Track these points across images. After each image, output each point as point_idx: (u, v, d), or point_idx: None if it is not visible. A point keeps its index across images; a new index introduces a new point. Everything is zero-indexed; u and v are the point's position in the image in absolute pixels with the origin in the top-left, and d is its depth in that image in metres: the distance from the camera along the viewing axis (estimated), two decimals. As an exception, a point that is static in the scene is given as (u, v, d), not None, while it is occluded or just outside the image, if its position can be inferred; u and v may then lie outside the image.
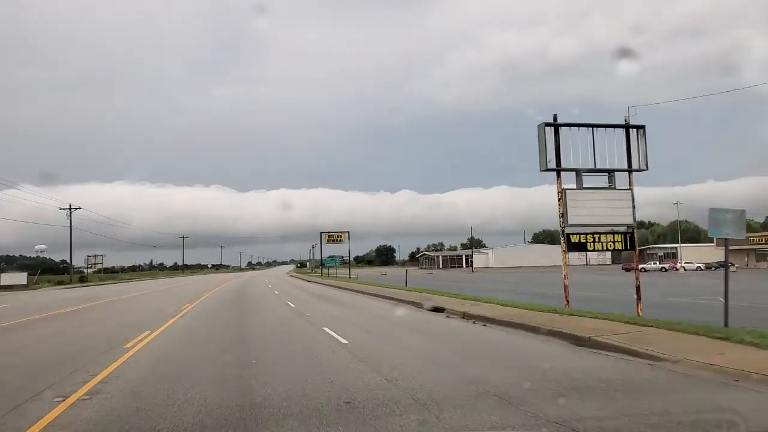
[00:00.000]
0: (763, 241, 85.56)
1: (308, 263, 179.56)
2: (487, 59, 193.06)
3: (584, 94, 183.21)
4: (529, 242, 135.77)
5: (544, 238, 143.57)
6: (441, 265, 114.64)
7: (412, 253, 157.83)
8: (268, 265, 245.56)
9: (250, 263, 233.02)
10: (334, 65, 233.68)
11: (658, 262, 76.46)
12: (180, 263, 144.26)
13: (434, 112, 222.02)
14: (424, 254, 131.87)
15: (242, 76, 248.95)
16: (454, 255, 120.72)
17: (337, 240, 73.40)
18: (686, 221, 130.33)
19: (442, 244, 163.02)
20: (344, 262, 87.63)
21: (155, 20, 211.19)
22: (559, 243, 16.39)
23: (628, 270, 75.35)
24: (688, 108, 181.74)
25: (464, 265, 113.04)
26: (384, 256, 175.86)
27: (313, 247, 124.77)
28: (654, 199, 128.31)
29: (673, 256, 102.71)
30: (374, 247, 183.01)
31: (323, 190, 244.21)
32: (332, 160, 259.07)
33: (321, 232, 73.96)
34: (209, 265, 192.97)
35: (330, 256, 77.88)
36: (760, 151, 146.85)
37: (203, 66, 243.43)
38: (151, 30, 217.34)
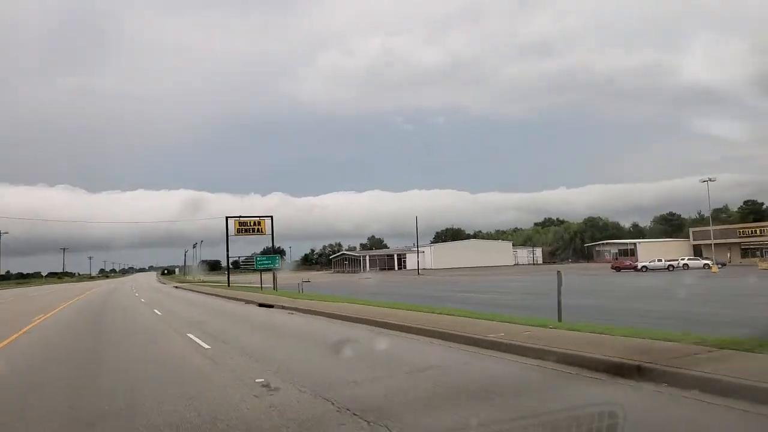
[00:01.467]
0: (755, 233, 73.99)
1: (178, 269, 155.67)
2: (355, 63, 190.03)
3: (450, 102, 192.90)
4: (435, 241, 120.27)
5: (448, 237, 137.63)
6: (369, 267, 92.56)
7: (306, 255, 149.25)
8: (124, 272, 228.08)
9: (102, 270, 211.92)
10: (201, 63, 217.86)
11: (663, 260, 60.12)
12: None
13: (304, 114, 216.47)
14: (345, 255, 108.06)
15: (101, 70, 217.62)
16: (385, 255, 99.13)
17: (253, 229, 47.46)
18: (600, 218, 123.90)
19: (340, 245, 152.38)
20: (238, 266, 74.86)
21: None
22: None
23: (618, 269, 64.03)
24: (545, 120, 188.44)
25: (396, 267, 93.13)
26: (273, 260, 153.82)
27: (194, 247, 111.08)
28: (515, 204, 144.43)
29: (629, 253, 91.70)
30: (255, 251, 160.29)
31: (187, 191, 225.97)
32: (196, 161, 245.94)
33: (228, 217, 47.51)
34: (45, 274, 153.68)
35: (253, 257, 51.26)
36: (602, 162, 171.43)
37: (51, 56, 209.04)
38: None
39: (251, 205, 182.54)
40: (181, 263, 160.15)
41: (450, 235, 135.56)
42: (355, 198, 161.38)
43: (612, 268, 66.27)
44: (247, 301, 25.72)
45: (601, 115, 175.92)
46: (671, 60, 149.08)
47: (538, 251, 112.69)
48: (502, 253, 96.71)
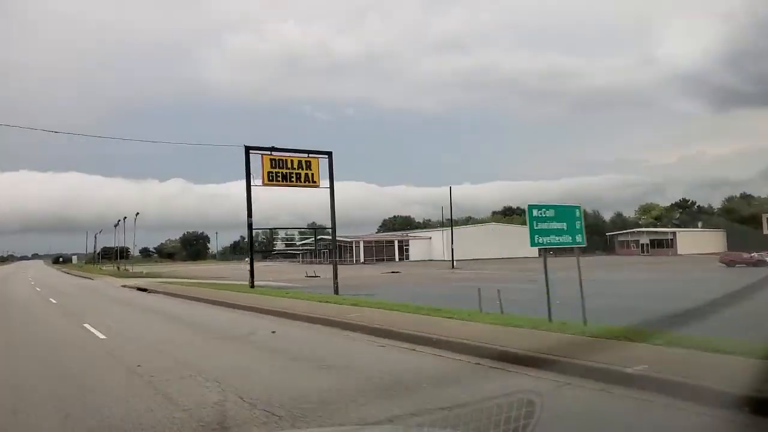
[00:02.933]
0: None
1: (76, 258, 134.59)
2: (267, 48, 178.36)
3: (363, 95, 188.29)
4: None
5: (396, 226, 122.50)
6: (363, 257, 69.95)
7: (235, 242, 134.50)
8: (2, 260, 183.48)
9: None
10: (99, 35, 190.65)
11: None
12: None
13: (210, 97, 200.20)
14: (339, 241, 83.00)
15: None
16: (384, 240, 76.61)
17: (296, 176, 23.59)
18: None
19: (275, 231, 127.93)
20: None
21: None
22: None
23: (729, 264, 50.04)
24: (449, 116, 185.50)
25: (397, 256, 72.37)
26: (193, 247, 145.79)
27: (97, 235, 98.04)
28: (421, 198, 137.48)
29: (668, 244, 76.81)
30: (160, 240, 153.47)
31: (78, 174, 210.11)
32: (89, 141, 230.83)
33: (250, 148, 23.04)
34: None
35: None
36: (507, 159, 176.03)
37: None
38: None
39: (148, 192, 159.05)
40: (73, 251, 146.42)
41: (399, 223, 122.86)
42: (261, 187, 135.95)
43: (721, 262, 49.97)
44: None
45: (506, 113, 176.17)
46: (575, 63, 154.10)
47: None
48: (524, 241, 76.56)
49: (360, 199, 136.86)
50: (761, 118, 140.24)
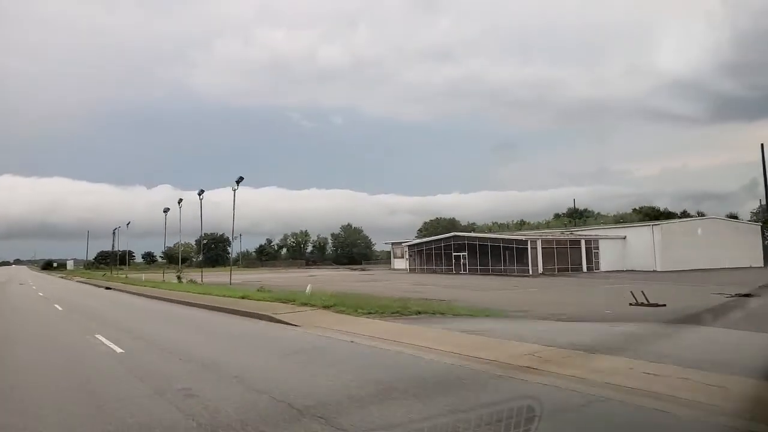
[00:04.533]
0: None
1: (72, 263, 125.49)
2: (255, 54, 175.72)
3: (350, 102, 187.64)
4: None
5: (440, 230, 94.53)
6: (542, 266, 48.71)
7: (261, 246, 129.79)
8: None
9: None
10: (81, 38, 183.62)
11: None
12: None
13: (195, 104, 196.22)
14: (456, 238, 60.08)
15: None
16: (564, 241, 52.41)
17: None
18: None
19: (306, 234, 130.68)
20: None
21: None
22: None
23: None
24: (438, 126, 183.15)
25: (584, 265, 51.32)
26: (212, 252, 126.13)
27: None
28: (410, 207, 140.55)
29: None
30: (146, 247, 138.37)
31: (61, 179, 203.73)
32: (73, 146, 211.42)
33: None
34: None
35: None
36: (494, 169, 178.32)
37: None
38: None
39: (135, 198, 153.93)
40: (60, 257, 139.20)
41: (444, 226, 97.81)
42: (250, 194, 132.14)
43: None
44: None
45: (493, 123, 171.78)
46: (559, 74, 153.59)
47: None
48: (741, 244, 54.03)
49: (349, 208, 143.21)
50: (745, 130, 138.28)
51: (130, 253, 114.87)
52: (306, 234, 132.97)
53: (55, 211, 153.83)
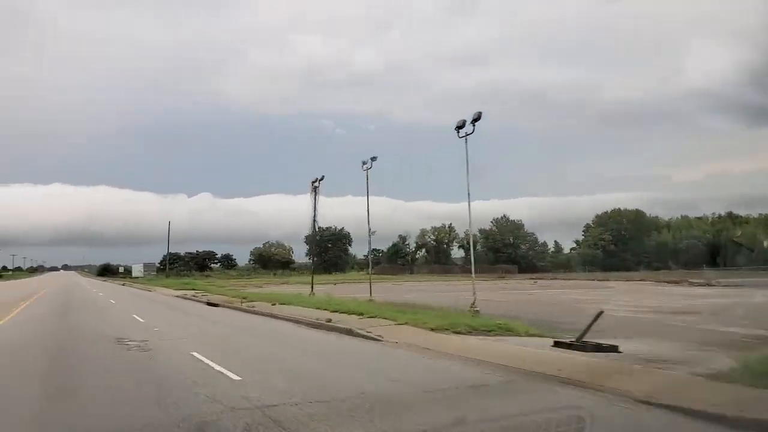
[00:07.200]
0: None
1: (140, 267, 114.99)
2: (289, 63, 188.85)
3: (379, 108, 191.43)
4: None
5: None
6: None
7: (394, 245, 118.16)
8: (32, 271, 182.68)
9: (5, 267, 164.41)
10: (126, 52, 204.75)
11: None
12: None
13: (233, 113, 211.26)
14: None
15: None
16: None
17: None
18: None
19: (452, 229, 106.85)
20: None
21: None
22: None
23: None
24: (480, 130, 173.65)
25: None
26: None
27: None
28: (446, 215, 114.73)
29: None
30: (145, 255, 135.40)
31: (106, 188, 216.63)
32: (117, 155, 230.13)
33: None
34: None
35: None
36: (533, 174, 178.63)
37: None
38: None
39: (175, 206, 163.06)
40: (91, 263, 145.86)
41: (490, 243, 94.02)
42: (289, 201, 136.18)
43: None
44: None
45: (532, 127, 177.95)
46: (598, 78, 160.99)
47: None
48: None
49: (386, 215, 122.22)
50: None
51: (213, 255, 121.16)
52: (452, 230, 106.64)
53: (97, 217, 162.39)
